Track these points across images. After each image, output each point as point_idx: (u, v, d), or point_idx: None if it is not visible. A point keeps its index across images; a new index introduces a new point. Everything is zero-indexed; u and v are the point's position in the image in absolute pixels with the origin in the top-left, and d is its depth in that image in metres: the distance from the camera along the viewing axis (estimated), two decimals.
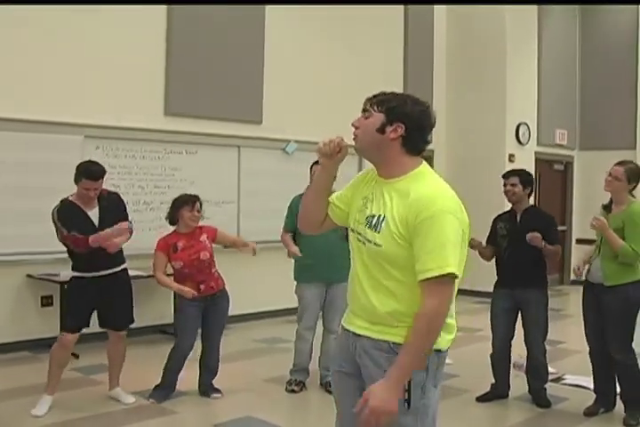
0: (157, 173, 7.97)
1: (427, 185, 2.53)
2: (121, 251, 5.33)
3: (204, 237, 5.51)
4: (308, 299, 5.75)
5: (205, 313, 5.48)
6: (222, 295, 5.56)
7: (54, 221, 5.07)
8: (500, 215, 5.79)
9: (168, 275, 5.54)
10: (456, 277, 2.44)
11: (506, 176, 5.63)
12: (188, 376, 5.59)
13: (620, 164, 5.10)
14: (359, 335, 2.63)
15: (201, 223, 5.58)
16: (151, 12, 7.88)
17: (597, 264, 5.11)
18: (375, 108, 2.57)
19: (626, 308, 5.02)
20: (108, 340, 5.43)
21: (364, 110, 2.61)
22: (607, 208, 5.17)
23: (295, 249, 5.68)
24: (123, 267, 5.35)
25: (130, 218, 5.41)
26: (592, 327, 5.21)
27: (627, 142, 12.00)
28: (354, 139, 2.63)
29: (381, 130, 2.54)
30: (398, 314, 2.51)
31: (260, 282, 8.44)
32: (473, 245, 5.43)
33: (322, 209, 2.80)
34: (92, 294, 5.14)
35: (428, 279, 2.40)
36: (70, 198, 5.18)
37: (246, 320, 8.62)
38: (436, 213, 2.42)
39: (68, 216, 5.06)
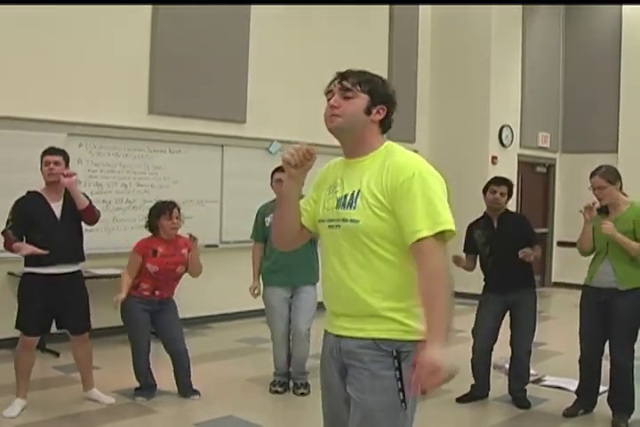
0: (141, 171, 7.95)
1: (401, 155, 2.50)
2: (81, 247, 5.26)
3: (185, 251, 5.49)
4: (275, 304, 5.75)
5: (155, 315, 5.44)
6: (169, 301, 5.55)
7: (10, 210, 5.09)
8: (474, 222, 5.76)
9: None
10: (453, 234, 2.37)
11: (497, 183, 5.59)
12: (168, 376, 5.58)
13: (592, 175, 5.10)
14: (341, 336, 2.54)
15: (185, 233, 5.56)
16: (136, 11, 7.87)
17: (605, 269, 5.07)
18: (359, 87, 2.52)
19: (638, 311, 5.02)
20: (72, 343, 5.33)
21: (344, 88, 2.52)
22: (603, 212, 5.13)
23: (253, 286, 5.81)
24: (77, 268, 5.24)
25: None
26: (590, 332, 5.18)
27: (609, 145, 12.07)
28: (331, 119, 2.52)
29: (368, 111, 2.52)
30: (384, 296, 2.42)
31: (241, 281, 8.41)
32: (457, 262, 5.44)
33: (296, 222, 2.69)
34: (50, 298, 5.03)
35: (421, 240, 2.32)
36: (38, 190, 5.17)
37: (228, 320, 8.62)
38: (417, 173, 2.39)
39: (24, 208, 5.07)
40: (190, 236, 5.48)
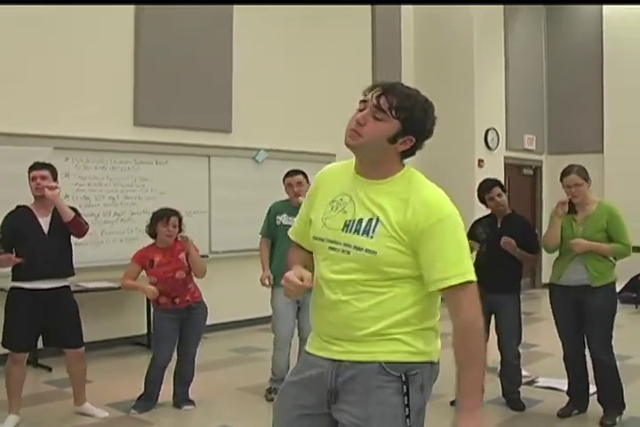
0: (128, 183, 7.93)
1: (426, 188, 2.35)
2: (69, 262, 5.25)
3: (182, 256, 5.47)
4: (281, 308, 5.72)
5: (182, 325, 5.46)
6: (198, 307, 5.53)
7: (0, 224, 5.11)
8: (479, 219, 5.81)
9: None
10: (474, 284, 2.27)
11: (487, 189, 5.61)
12: (164, 387, 5.56)
13: (567, 173, 5.17)
14: (340, 361, 2.34)
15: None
16: (119, 22, 7.86)
17: (575, 267, 5.12)
18: (394, 113, 2.26)
19: (612, 306, 5.09)
20: (67, 359, 5.29)
21: (379, 107, 2.27)
22: (572, 211, 5.18)
23: (265, 276, 5.74)
24: (65, 283, 5.22)
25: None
26: (568, 331, 5.23)
27: (594, 146, 12.13)
28: (351, 135, 2.30)
29: (393, 140, 2.29)
30: (390, 320, 2.29)
31: (232, 291, 8.43)
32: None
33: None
34: (37, 313, 5.00)
35: (449, 287, 2.22)
36: (27, 205, 5.17)
37: (220, 330, 8.59)
38: (447, 217, 2.26)
39: (12, 223, 5.07)
40: (181, 237, 5.46)
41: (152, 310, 5.64)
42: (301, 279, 2.36)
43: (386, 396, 2.29)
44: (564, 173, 5.18)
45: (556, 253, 5.34)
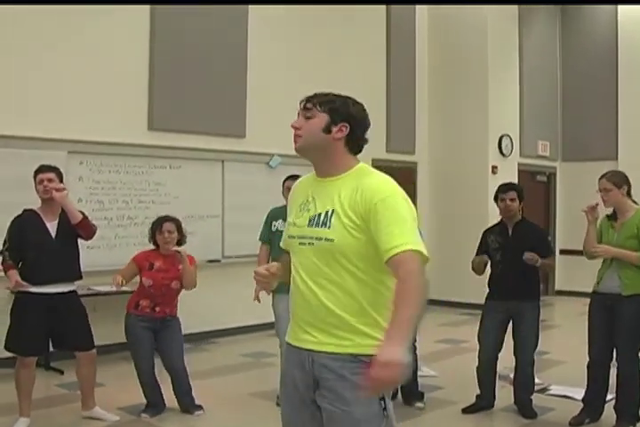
0: (141, 187, 7.97)
1: (374, 177, 2.56)
2: (77, 266, 5.25)
3: (182, 267, 5.47)
4: (281, 311, 5.71)
5: (158, 338, 5.45)
6: (173, 320, 5.55)
7: (7, 229, 5.13)
8: (490, 228, 5.80)
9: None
10: (424, 257, 2.37)
11: (504, 191, 5.62)
12: (169, 394, 5.55)
13: (601, 177, 5.16)
14: (314, 351, 2.55)
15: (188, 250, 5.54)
16: (134, 28, 7.91)
17: (611, 274, 5.08)
18: (318, 107, 2.60)
19: None
20: (78, 362, 5.30)
21: (306, 109, 2.63)
22: (612, 217, 5.17)
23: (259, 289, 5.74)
24: (73, 288, 5.22)
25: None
26: (600, 339, 5.17)
27: (608, 153, 12.06)
28: (295, 140, 2.63)
29: (327, 130, 2.58)
30: (356, 312, 2.47)
31: (244, 296, 8.40)
32: (477, 262, 5.56)
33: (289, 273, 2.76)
34: (44, 318, 5.01)
35: (395, 255, 2.35)
36: (34, 208, 5.18)
37: (232, 335, 8.60)
38: (389, 196, 2.47)
39: (19, 228, 5.09)
40: (176, 251, 5.46)
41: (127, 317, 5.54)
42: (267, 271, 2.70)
43: (360, 380, 2.37)
44: (600, 178, 5.18)
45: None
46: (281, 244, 2.82)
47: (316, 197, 2.62)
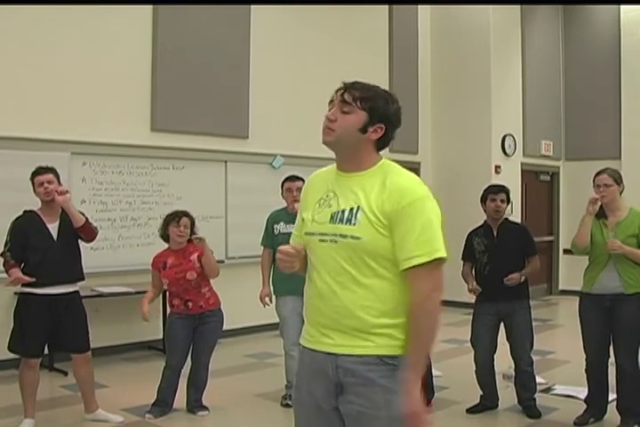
0: (144, 188, 7.97)
1: (401, 175, 2.48)
2: (79, 267, 5.24)
3: (194, 257, 5.46)
4: (286, 314, 5.71)
5: (195, 332, 5.47)
6: (213, 315, 5.52)
7: (8, 231, 5.11)
8: (474, 230, 5.77)
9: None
10: (444, 261, 2.39)
11: (495, 191, 5.62)
12: (179, 393, 5.56)
13: (599, 173, 5.16)
14: (336, 354, 2.44)
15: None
16: (136, 28, 7.92)
17: (609, 275, 5.05)
18: (358, 104, 2.47)
19: None
20: (74, 364, 5.28)
21: (344, 102, 2.48)
22: (601, 216, 5.12)
23: (265, 294, 5.83)
24: (75, 289, 5.21)
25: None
26: (596, 340, 5.15)
27: (612, 152, 12.05)
28: (326, 132, 2.50)
29: (363, 130, 2.47)
30: (379, 313, 2.39)
31: (248, 296, 8.41)
32: (471, 290, 5.57)
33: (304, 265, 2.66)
34: (46, 319, 5.01)
35: (416, 266, 2.33)
36: (35, 209, 5.17)
37: (236, 335, 8.60)
38: (418, 199, 2.39)
39: (21, 229, 5.07)
40: (195, 238, 5.45)
41: (166, 315, 5.62)
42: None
43: (390, 384, 2.38)
44: (597, 173, 5.16)
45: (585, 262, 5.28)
46: (291, 242, 2.69)
47: (337, 193, 2.52)
